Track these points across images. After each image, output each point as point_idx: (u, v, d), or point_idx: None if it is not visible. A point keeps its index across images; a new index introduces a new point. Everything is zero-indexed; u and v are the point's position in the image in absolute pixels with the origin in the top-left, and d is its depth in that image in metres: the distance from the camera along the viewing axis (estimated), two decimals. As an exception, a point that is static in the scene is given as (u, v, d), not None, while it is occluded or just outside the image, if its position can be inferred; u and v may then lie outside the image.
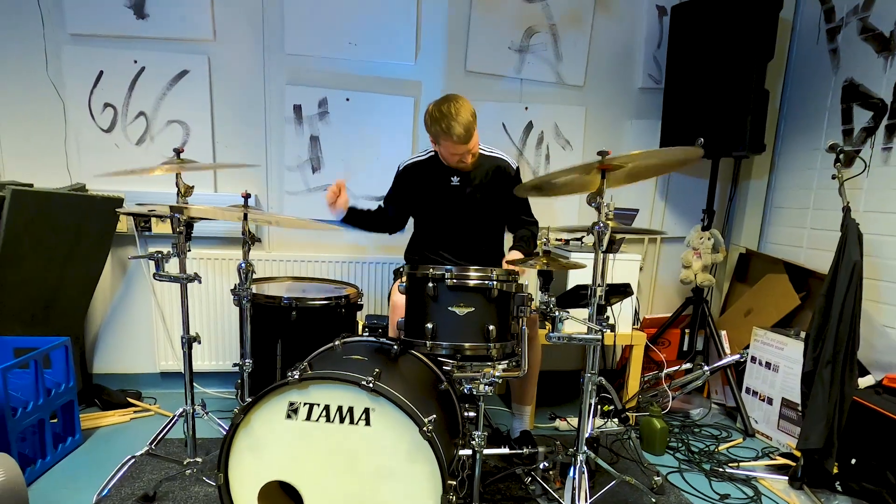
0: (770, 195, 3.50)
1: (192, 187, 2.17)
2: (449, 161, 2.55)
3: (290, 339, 2.32)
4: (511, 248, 2.67)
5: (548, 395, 3.13)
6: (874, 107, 2.80)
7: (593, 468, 2.32)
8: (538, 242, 2.10)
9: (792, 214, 3.34)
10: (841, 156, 2.39)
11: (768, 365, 2.91)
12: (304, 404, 1.72)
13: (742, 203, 3.56)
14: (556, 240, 3.20)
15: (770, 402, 2.89)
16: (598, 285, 1.96)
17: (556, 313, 1.96)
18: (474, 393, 1.90)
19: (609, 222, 1.90)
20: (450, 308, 1.84)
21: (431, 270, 1.85)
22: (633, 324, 3.01)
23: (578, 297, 2.28)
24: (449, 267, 1.85)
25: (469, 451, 1.95)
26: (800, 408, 2.70)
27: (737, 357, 3.02)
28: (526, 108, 3.35)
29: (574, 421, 2.94)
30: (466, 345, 1.86)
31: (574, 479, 2.01)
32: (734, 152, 3.05)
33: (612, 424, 2.78)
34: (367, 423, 1.70)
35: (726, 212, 3.52)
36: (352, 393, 1.68)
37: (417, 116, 3.20)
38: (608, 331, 2.05)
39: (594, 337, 1.95)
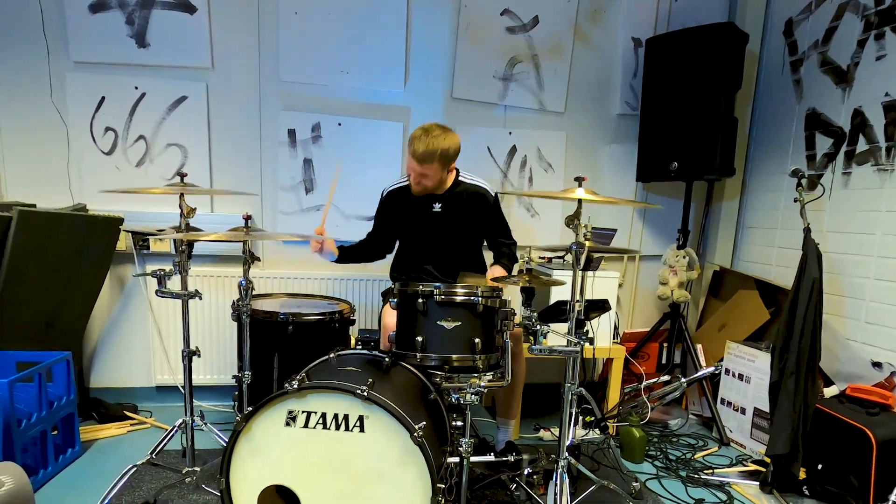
0: (742, 215, 3.69)
1: (195, 209, 2.29)
2: (411, 178, 2.67)
3: (286, 353, 2.44)
4: (493, 264, 2.80)
5: (532, 407, 3.26)
6: (834, 134, 2.99)
7: (575, 474, 2.44)
8: (520, 261, 2.25)
9: (762, 234, 3.52)
10: (803, 180, 2.58)
11: (741, 376, 3.07)
12: (303, 412, 1.83)
13: (715, 223, 3.75)
14: (540, 258, 3.35)
15: (743, 411, 3.04)
16: (577, 301, 2.10)
17: (538, 327, 2.10)
18: (461, 402, 2.03)
19: (586, 242, 2.06)
20: (438, 322, 1.98)
21: (421, 287, 1.99)
22: (613, 338, 3.16)
23: (559, 312, 2.42)
24: (438, 284, 1.99)
25: (457, 459, 2.07)
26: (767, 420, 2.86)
27: (712, 369, 3.17)
28: (510, 133, 3.52)
29: (557, 431, 3.07)
30: (454, 356, 2.00)
31: (556, 484, 2.13)
32: (706, 176, 3.24)
33: (594, 434, 2.92)
34: (362, 430, 1.82)
35: (700, 231, 3.71)
36: (347, 401, 1.81)
37: (406, 141, 3.36)
38: (587, 344, 2.19)
39: (573, 349, 2.09)
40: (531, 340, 2.12)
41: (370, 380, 1.85)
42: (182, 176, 2.27)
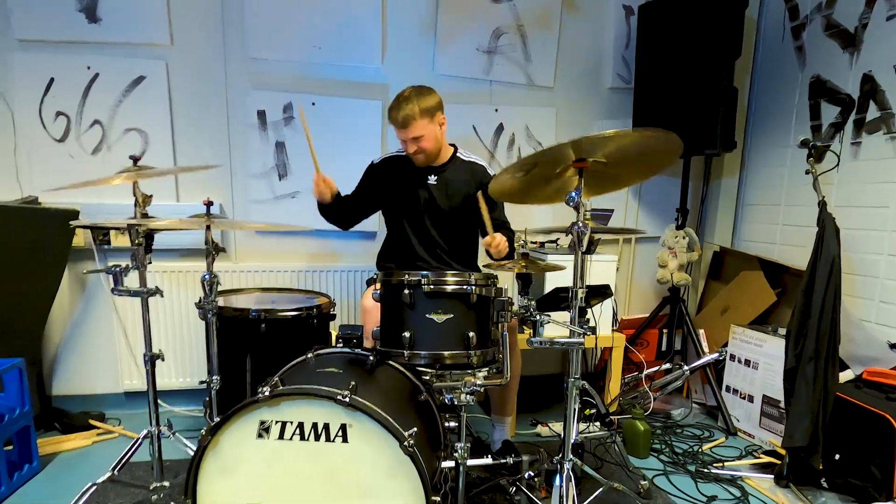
0: (742, 193, 3.52)
1: (151, 196, 2.05)
2: (402, 147, 2.53)
3: (259, 354, 2.21)
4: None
5: (528, 401, 3.07)
6: (841, 102, 2.82)
7: (579, 475, 2.25)
8: (516, 245, 2.04)
9: (764, 211, 3.35)
10: (813, 150, 2.39)
11: (748, 362, 2.90)
12: (276, 422, 1.62)
13: (714, 202, 3.57)
14: (532, 242, 3.15)
15: (751, 399, 2.87)
16: (579, 287, 1.90)
17: (537, 317, 1.90)
18: (455, 403, 1.83)
19: (588, 222, 1.85)
20: (427, 315, 1.77)
21: (407, 276, 1.78)
22: (612, 325, 2.98)
23: (558, 300, 2.23)
24: (425, 272, 1.77)
25: (451, 463, 1.87)
26: (781, 405, 2.69)
27: (716, 356, 3.01)
28: (496, 110, 3.30)
29: (556, 426, 2.88)
30: (446, 353, 1.79)
31: (561, 487, 1.94)
32: (706, 150, 3.05)
33: (595, 428, 2.74)
34: (345, 440, 1.61)
35: (699, 211, 3.53)
36: (327, 408, 1.59)
37: (385, 120, 3.13)
38: (590, 333, 1.99)
39: (577, 341, 1.89)
40: (530, 332, 1.93)
41: (352, 383, 1.64)
42: (135, 160, 2.03)
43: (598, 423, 2.82)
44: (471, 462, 2.04)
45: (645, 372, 3.04)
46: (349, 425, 1.60)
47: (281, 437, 1.62)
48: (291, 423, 1.62)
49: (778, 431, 2.71)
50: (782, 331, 2.85)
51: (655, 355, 3.37)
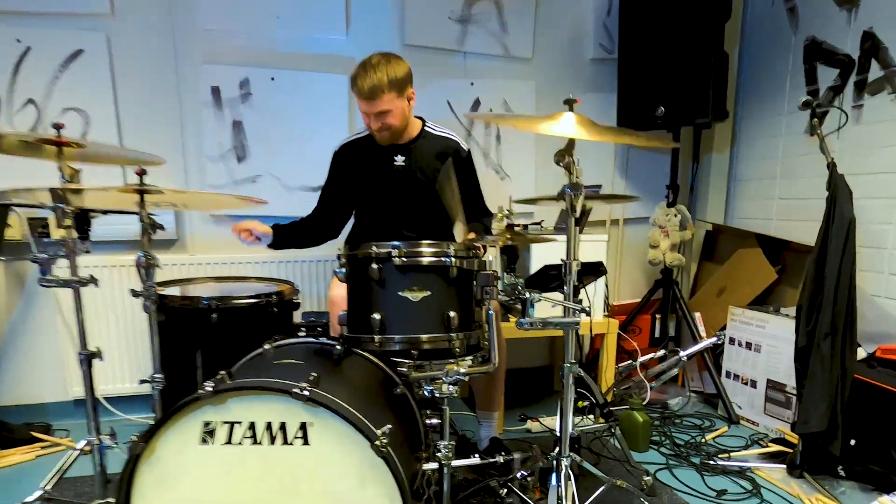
0: (734, 168, 3.32)
1: (79, 171, 1.77)
2: (365, 123, 2.27)
3: (212, 348, 1.93)
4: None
5: (515, 395, 2.82)
6: (840, 63, 2.64)
7: (576, 472, 2.02)
8: (499, 215, 1.81)
9: (758, 186, 3.16)
10: (818, 110, 2.21)
11: (749, 345, 2.71)
12: (223, 423, 1.36)
13: (705, 178, 3.37)
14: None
15: (754, 385, 2.68)
16: (574, 260, 1.67)
17: (527, 295, 1.68)
18: (436, 395, 1.59)
19: (581, 183, 1.63)
20: (400, 293, 1.52)
21: (375, 249, 1.53)
22: (604, 310, 2.76)
23: (548, 278, 2.00)
24: (396, 243, 1.53)
25: (435, 465, 1.62)
26: (788, 389, 2.50)
27: (714, 340, 2.80)
28: (472, 84, 3.07)
29: (547, 421, 2.65)
30: (424, 337, 1.54)
31: (559, 486, 1.71)
32: (697, 120, 2.86)
33: (589, 421, 2.52)
34: (306, 442, 1.36)
35: (689, 188, 3.33)
36: (282, 404, 1.34)
37: (352, 95, 2.88)
38: (586, 313, 1.76)
39: (572, 320, 1.66)
40: (518, 312, 1.70)
41: (314, 374, 1.39)
42: (58, 127, 1.76)
43: (591, 417, 2.61)
44: (456, 463, 1.79)
45: (639, 360, 2.83)
46: (310, 424, 1.35)
47: (229, 440, 1.36)
48: (240, 423, 1.36)
49: (785, 418, 2.51)
50: (785, 310, 2.67)
51: (648, 342, 3.16)
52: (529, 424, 2.65)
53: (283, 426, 1.35)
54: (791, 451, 2.25)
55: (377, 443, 1.31)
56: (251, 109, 2.81)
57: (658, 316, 3.15)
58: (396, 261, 1.49)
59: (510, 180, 3.17)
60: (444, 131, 2.43)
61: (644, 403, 2.65)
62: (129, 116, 2.71)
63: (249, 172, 2.86)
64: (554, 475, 1.75)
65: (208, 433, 1.36)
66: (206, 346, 1.92)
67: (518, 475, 1.93)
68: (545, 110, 3.09)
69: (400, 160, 2.32)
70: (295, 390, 1.31)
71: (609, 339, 2.72)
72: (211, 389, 1.33)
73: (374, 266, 1.51)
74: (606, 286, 2.84)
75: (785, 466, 2.23)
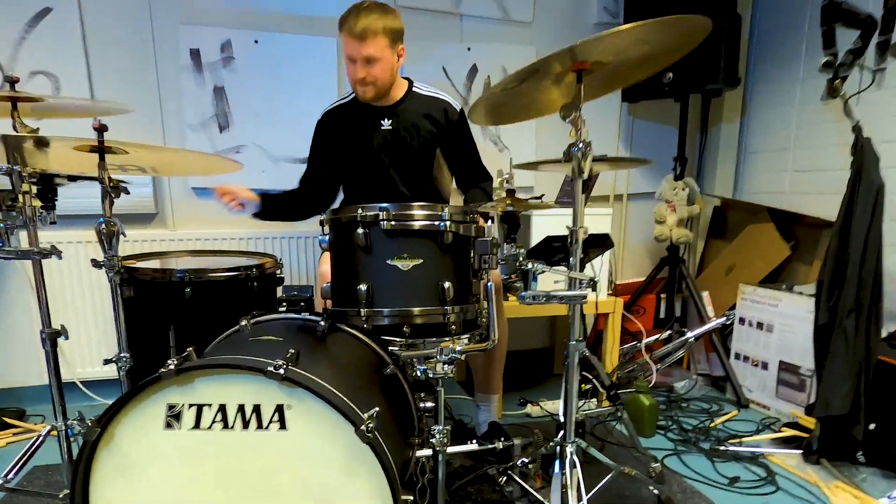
0: (743, 140, 3.16)
1: (37, 129, 1.61)
2: (349, 77, 2.08)
3: (186, 325, 1.76)
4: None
5: (514, 378, 2.69)
6: (861, 24, 2.46)
7: (581, 459, 1.88)
8: (499, 180, 1.65)
9: (770, 158, 3.00)
10: (839, 71, 2.04)
11: (760, 325, 2.57)
12: (190, 406, 1.21)
13: (713, 151, 3.21)
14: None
15: (765, 366, 2.54)
16: (581, 227, 1.52)
17: (530, 266, 1.52)
18: (430, 376, 1.44)
19: (589, 141, 1.47)
20: (389, 262, 1.37)
21: (361, 212, 1.37)
22: (608, 288, 2.61)
23: (551, 250, 1.85)
24: (384, 205, 1.37)
25: (429, 452, 1.48)
26: (802, 370, 2.37)
27: (722, 320, 2.67)
28: (468, 49, 2.89)
29: (548, 405, 2.51)
30: (415, 310, 1.39)
31: (563, 475, 1.57)
32: (708, 85, 2.69)
33: (592, 405, 2.38)
34: (283, 426, 1.21)
35: (697, 162, 3.17)
36: (256, 385, 1.19)
37: (341, 59, 2.70)
38: (593, 286, 1.61)
39: (579, 293, 1.51)
40: (519, 286, 1.55)
41: (292, 351, 1.24)
42: (12, 81, 1.59)
43: (594, 400, 2.47)
44: (452, 449, 1.65)
45: (644, 341, 2.69)
46: (287, 407, 1.20)
47: (197, 425, 1.21)
48: (210, 406, 1.21)
49: (799, 401, 2.38)
50: (799, 288, 2.53)
51: (653, 323, 3.02)
52: (530, 409, 2.51)
53: (256, 409, 1.20)
54: (807, 435, 2.12)
55: (363, 427, 1.17)
56: (234, 74, 2.64)
57: (663, 295, 3.01)
58: (384, 225, 1.33)
59: (509, 152, 3.00)
60: (432, 91, 2.26)
61: (651, 386, 2.52)
62: (102, 80, 2.54)
63: (233, 142, 2.68)
64: (557, 462, 1.61)
65: (173, 417, 1.21)
66: (179, 324, 1.75)
67: (518, 462, 1.79)
68: (546, 78, 2.94)
69: (387, 124, 2.16)
70: (269, 369, 1.15)
71: (614, 319, 2.57)
72: (173, 368, 1.18)
73: (360, 231, 1.36)
74: (611, 263, 2.69)
75: (800, 452, 2.10)
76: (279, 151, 2.72)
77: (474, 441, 1.79)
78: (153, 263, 1.96)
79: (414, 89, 2.20)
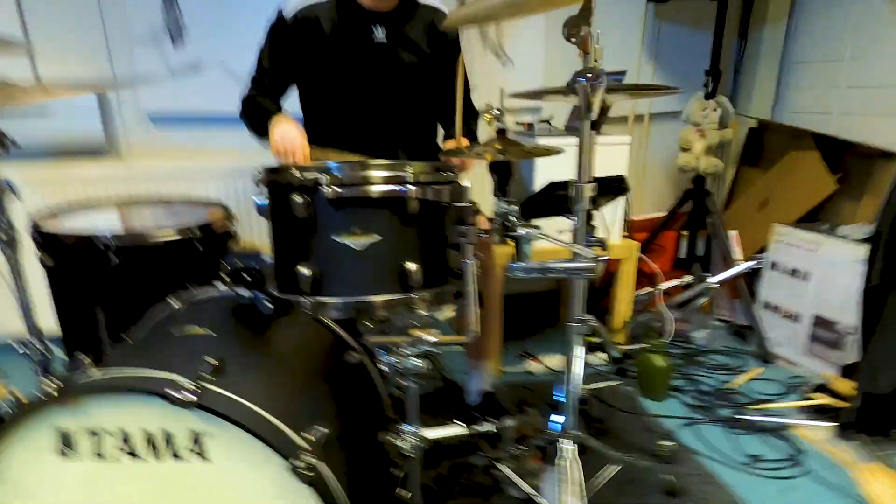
0: (789, 46, 2.68)
1: None
2: None
3: (115, 303, 1.48)
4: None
5: (515, 326, 2.40)
6: None
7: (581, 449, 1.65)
8: (486, 117, 1.30)
9: (818, 70, 2.56)
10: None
11: (795, 272, 2.26)
12: (87, 432, 0.96)
13: (752, 62, 2.74)
14: (517, 123, 2.39)
15: (797, 319, 2.25)
16: (588, 181, 1.19)
17: (521, 231, 1.21)
18: (398, 370, 1.18)
19: (600, 66, 1.11)
20: (337, 239, 1.05)
21: (302, 173, 1.04)
22: (623, 229, 2.29)
23: (553, 200, 1.52)
24: (330, 164, 1.03)
25: (406, 445, 1.24)
26: (839, 327, 2.08)
27: (752, 264, 2.37)
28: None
29: (550, 361, 2.27)
30: (373, 299, 1.09)
31: (562, 474, 1.34)
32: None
33: (601, 360, 2.14)
34: (204, 457, 0.95)
35: (732, 76, 2.72)
36: (163, 408, 0.92)
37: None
38: (601, 253, 1.29)
39: (583, 266, 1.20)
40: (512, 255, 1.25)
41: (216, 359, 0.97)
42: None
43: (602, 355, 2.23)
44: (433, 434, 1.43)
45: (661, 287, 2.40)
46: (206, 434, 0.94)
47: (99, 453, 0.96)
48: (111, 433, 0.95)
49: (833, 360, 2.11)
50: (845, 230, 2.19)
51: (673, 264, 2.72)
52: (531, 365, 2.27)
53: (168, 437, 0.95)
54: (839, 404, 1.86)
55: (299, 462, 0.91)
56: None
57: (685, 233, 2.68)
58: (327, 192, 1.01)
59: (513, 66, 2.58)
60: None
61: (668, 339, 2.27)
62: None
63: (189, 59, 2.30)
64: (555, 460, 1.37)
65: (66, 444, 0.96)
66: (107, 301, 1.47)
67: (510, 451, 1.56)
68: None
69: (380, 34, 1.72)
70: (171, 392, 0.89)
71: (627, 265, 2.27)
72: (54, 389, 0.92)
73: (299, 199, 1.03)
74: (627, 199, 2.35)
75: (832, 425, 1.84)
76: (243, 64, 2.31)
77: (462, 425, 1.55)
78: (78, 222, 1.63)
79: None
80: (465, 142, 1.61)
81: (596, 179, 1.22)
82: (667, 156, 2.82)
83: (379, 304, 1.09)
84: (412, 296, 1.10)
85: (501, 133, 1.32)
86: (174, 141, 2.42)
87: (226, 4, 2.28)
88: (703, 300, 2.43)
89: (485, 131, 1.60)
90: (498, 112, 1.32)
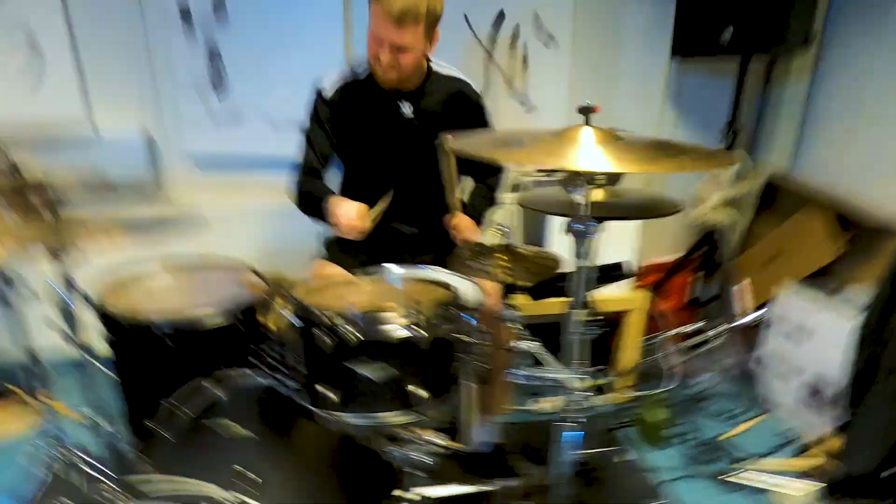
0: (812, 103, 2.70)
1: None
2: (370, 51, 1.78)
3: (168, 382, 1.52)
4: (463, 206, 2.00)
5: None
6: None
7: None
8: (491, 231, 1.44)
9: (836, 130, 2.59)
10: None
11: (797, 329, 2.35)
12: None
13: (772, 114, 2.76)
14: (538, 170, 2.47)
15: (796, 373, 2.35)
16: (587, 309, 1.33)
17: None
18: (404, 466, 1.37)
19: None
20: (358, 370, 1.23)
21: (327, 318, 1.21)
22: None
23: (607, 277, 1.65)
24: (356, 313, 1.20)
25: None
26: (836, 386, 2.18)
27: (759, 313, 2.48)
28: (494, -8, 2.49)
29: (548, 405, 2.38)
30: (387, 415, 1.27)
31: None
32: (773, 47, 2.30)
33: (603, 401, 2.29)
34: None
35: (755, 125, 2.75)
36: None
37: (347, 10, 2.40)
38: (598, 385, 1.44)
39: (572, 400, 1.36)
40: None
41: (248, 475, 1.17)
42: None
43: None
44: (434, 493, 1.60)
45: (669, 333, 2.53)
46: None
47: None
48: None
49: (827, 416, 2.21)
50: (847, 294, 2.29)
51: (685, 301, 2.81)
52: (529, 403, 2.39)
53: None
54: (832, 464, 1.98)
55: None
56: (227, 31, 2.38)
57: (700, 273, 2.76)
58: (350, 337, 1.18)
59: (538, 113, 2.68)
60: (450, 70, 1.98)
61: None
62: (85, 40, 2.34)
63: (229, 107, 2.48)
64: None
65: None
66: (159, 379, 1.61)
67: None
68: (584, 25, 2.57)
69: (408, 111, 1.90)
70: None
71: (634, 316, 2.39)
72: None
73: (326, 340, 1.20)
74: (637, 243, 2.42)
75: (820, 485, 1.97)
76: (281, 113, 2.48)
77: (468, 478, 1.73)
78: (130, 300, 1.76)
79: (433, 68, 1.92)
80: (465, 220, 1.83)
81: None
82: (684, 195, 2.88)
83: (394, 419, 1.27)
84: (423, 416, 1.27)
85: (508, 249, 1.46)
86: (217, 182, 2.60)
87: (261, 58, 2.42)
88: (710, 345, 2.54)
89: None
90: (507, 230, 1.46)
